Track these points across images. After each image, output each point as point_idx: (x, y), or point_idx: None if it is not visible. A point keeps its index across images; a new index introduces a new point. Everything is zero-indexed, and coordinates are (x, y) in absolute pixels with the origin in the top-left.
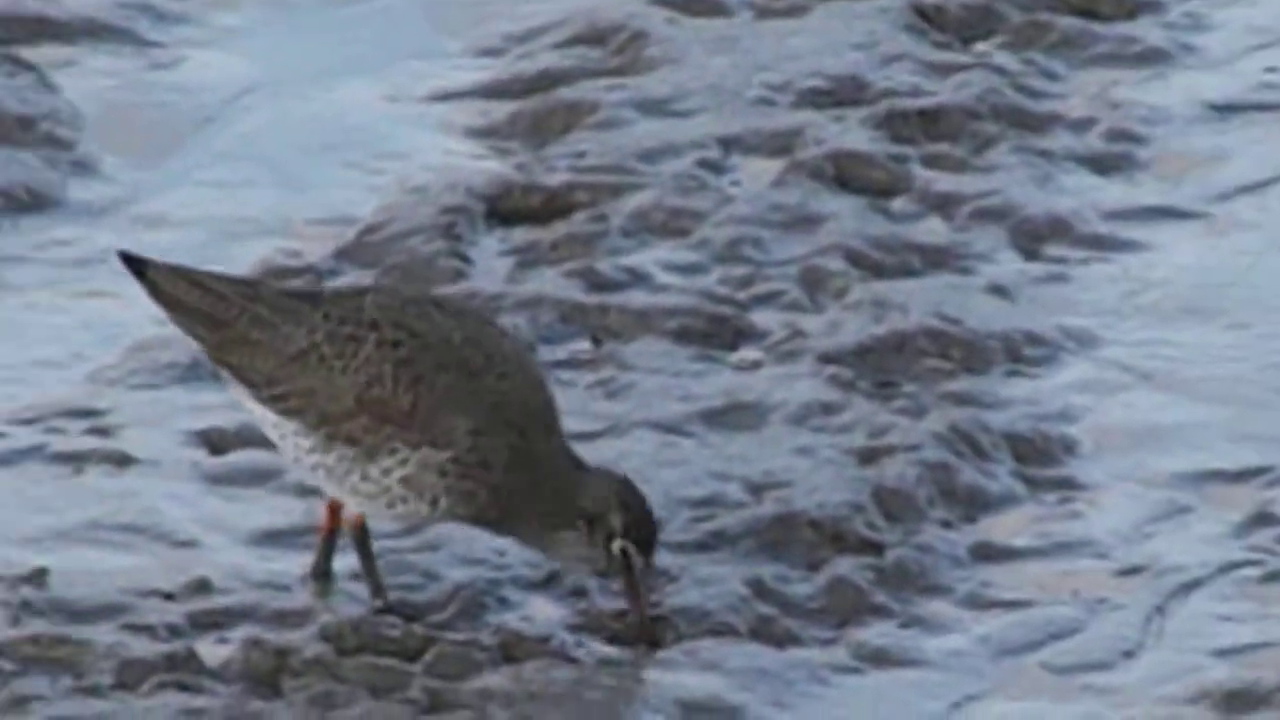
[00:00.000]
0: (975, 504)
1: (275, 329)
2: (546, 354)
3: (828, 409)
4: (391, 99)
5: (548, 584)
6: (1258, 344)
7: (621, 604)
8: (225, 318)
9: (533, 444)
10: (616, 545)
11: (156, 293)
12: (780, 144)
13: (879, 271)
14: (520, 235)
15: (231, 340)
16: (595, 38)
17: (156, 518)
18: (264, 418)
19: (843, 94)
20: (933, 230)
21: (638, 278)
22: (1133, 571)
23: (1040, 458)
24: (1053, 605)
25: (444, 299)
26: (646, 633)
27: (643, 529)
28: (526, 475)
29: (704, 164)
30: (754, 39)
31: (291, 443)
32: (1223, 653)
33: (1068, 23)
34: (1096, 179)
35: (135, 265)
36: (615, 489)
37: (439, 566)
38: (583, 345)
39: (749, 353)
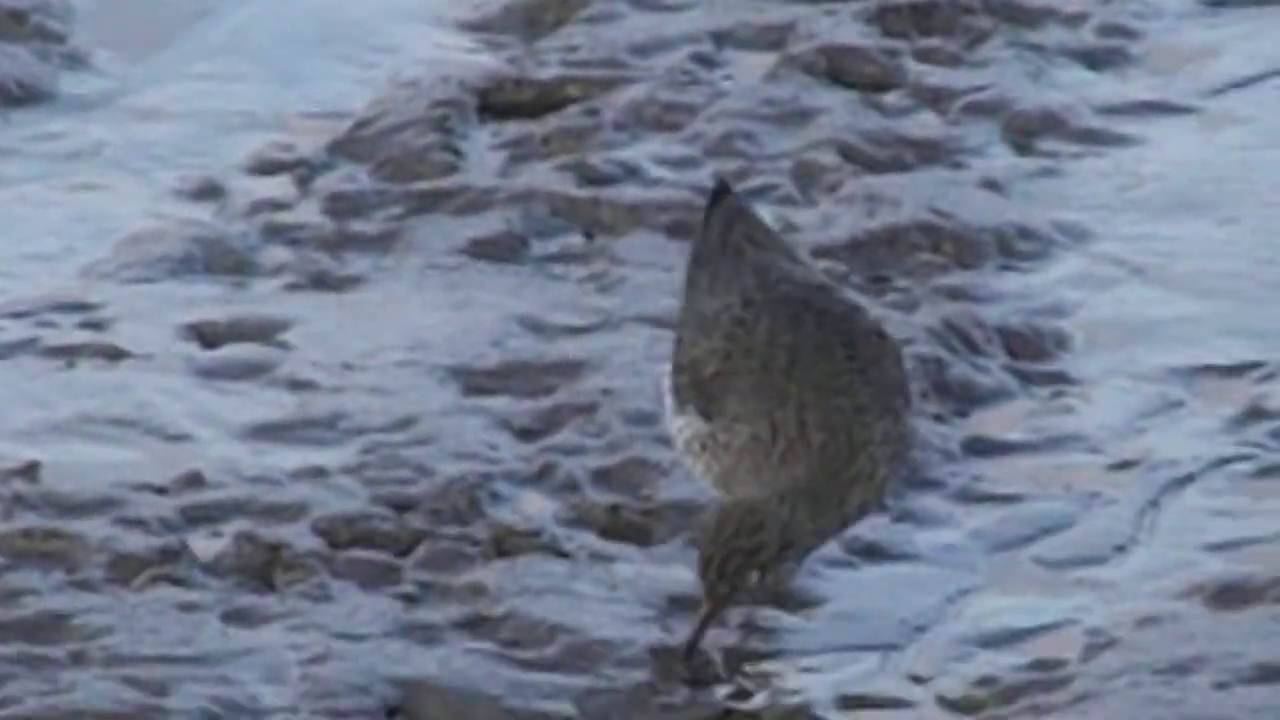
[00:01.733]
0: (967, 398)
1: None
2: (539, 248)
3: None
4: None
5: (540, 478)
6: (1251, 238)
7: (614, 498)
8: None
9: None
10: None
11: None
12: (772, 38)
13: (871, 166)
14: (512, 129)
15: None
16: None
17: (149, 411)
18: None
19: None
20: (925, 124)
21: (630, 172)
22: (1125, 466)
23: (1033, 352)
24: (1045, 499)
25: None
26: (690, 645)
27: (697, 549)
28: None
29: (696, 58)
30: None
31: None
32: (1215, 547)
33: None
34: (1089, 73)
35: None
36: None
37: (431, 461)
38: (575, 239)
39: None
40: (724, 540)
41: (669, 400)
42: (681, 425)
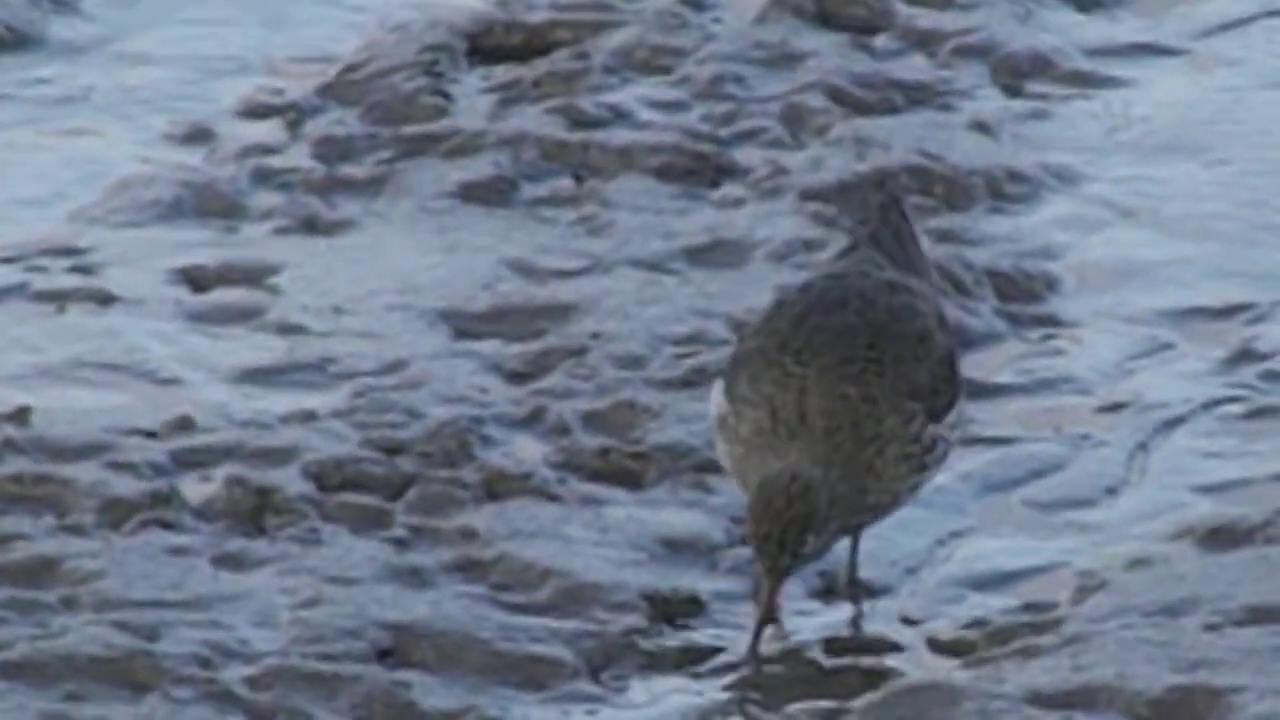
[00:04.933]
0: (957, 340)
1: None
2: (529, 191)
3: (809, 246)
4: None
5: (530, 421)
6: (1239, 180)
7: (604, 441)
8: None
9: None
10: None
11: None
12: None
13: (861, 108)
14: (502, 73)
15: None
16: None
17: (139, 356)
18: None
19: None
20: (915, 67)
21: (619, 115)
22: (1116, 408)
23: (1022, 294)
24: (1035, 442)
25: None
26: (760, 625)
27: (751, 529)
28: None
29: (686, 1)
30: None
31: None
32: (1205, 489)
33: None
34: (1078, 15)
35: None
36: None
37: (421, 404)
38: (564, 182)
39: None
40: (776, 513)
41: (715, 387)
42: (714, 403)
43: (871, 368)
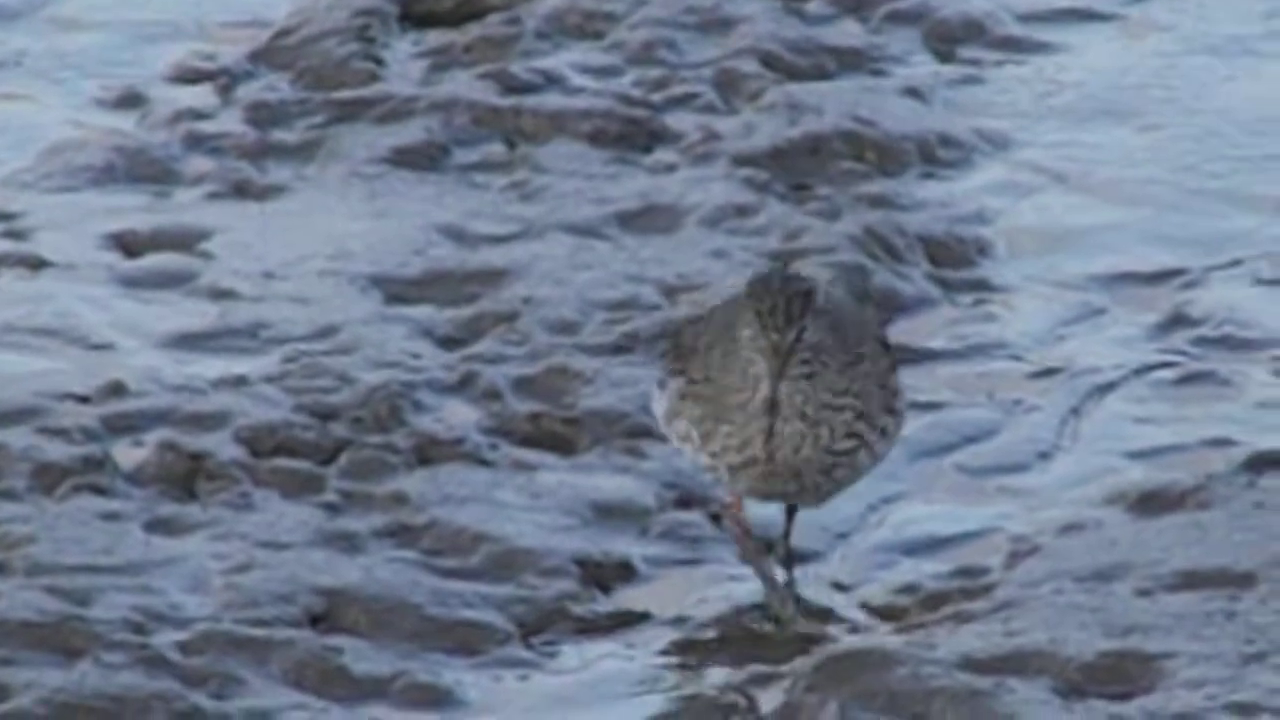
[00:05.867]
0: (890, 306)
1: None
2: (460, 157)
3: (742, 211)
4: None
5: (462, 386)
6: (1171, 146)
7: (535, 406)
8: None
9: None
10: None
11: None
12: None
13: (793, 74)
14: (434, 38)
15: None
16: None
17: (71, 321)
18: None
19: None
20: (847, 32)
21: (552, 80)
22: (1047, 373)
23: (954, 260)
24: (968, 407)
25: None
26: (771, 402)
27: (762, 303)
28: None
29: None
30: None
31: None
32: (1137, 454)
33: None
34: None
35: None
36: None
37: (353, 369)
38: (496, 148)
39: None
40: (777, 289)
41: (654, 395)
42: (658, 401)
43: (843, 319)
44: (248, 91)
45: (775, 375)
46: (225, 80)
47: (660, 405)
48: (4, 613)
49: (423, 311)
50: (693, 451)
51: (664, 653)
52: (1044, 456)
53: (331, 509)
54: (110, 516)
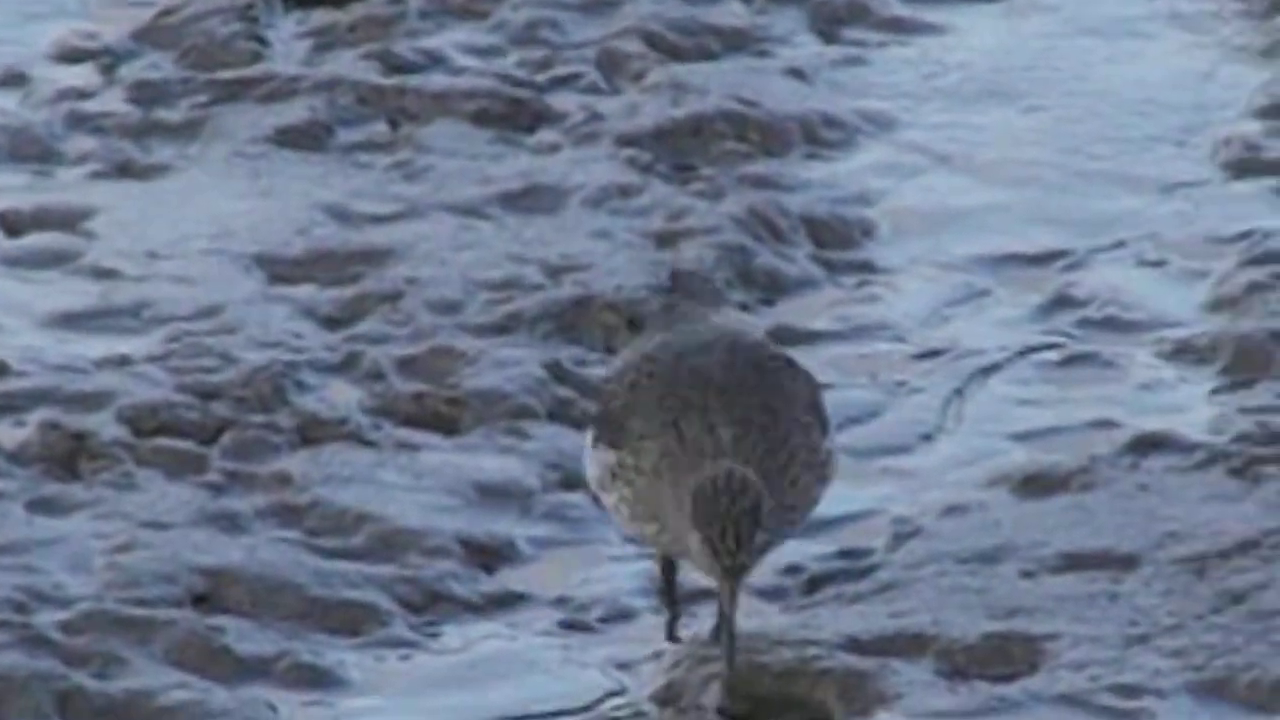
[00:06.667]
0: (773, 287)
1: None
2: (344, 136)
3: (625, 192)
4: None
5: (345, 366)
6: (1056, 127)
7: (419, 386)
8: None
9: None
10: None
11: None
12: None
13: (677, 54)
14: (318, 18)
15: None
16: None
17: None
18: None
19: None
20: (731, 13)
21: (435, 60)
22: (931, 355)
23: (838, 241)
24: (850, 389)
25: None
26: (727, 633)
27: (710, 529)
28: None
29: None
30: None
31: None
32: (1021, 436)
33: None
34: None
35: None
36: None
37: (236, 349)
38: (380, 127)
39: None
40: (724, 511)
41: (585, 453)
42: (591, 464)
43: (764, 386)
44: (131, 71)
45: (730, 600)
46: (108, 59)
47: (590, 467)
48: None
49: (306, 291)
50: (622, 522)
51: (547, 633)
52: (927, 438)
53: (214, 489)
54: None
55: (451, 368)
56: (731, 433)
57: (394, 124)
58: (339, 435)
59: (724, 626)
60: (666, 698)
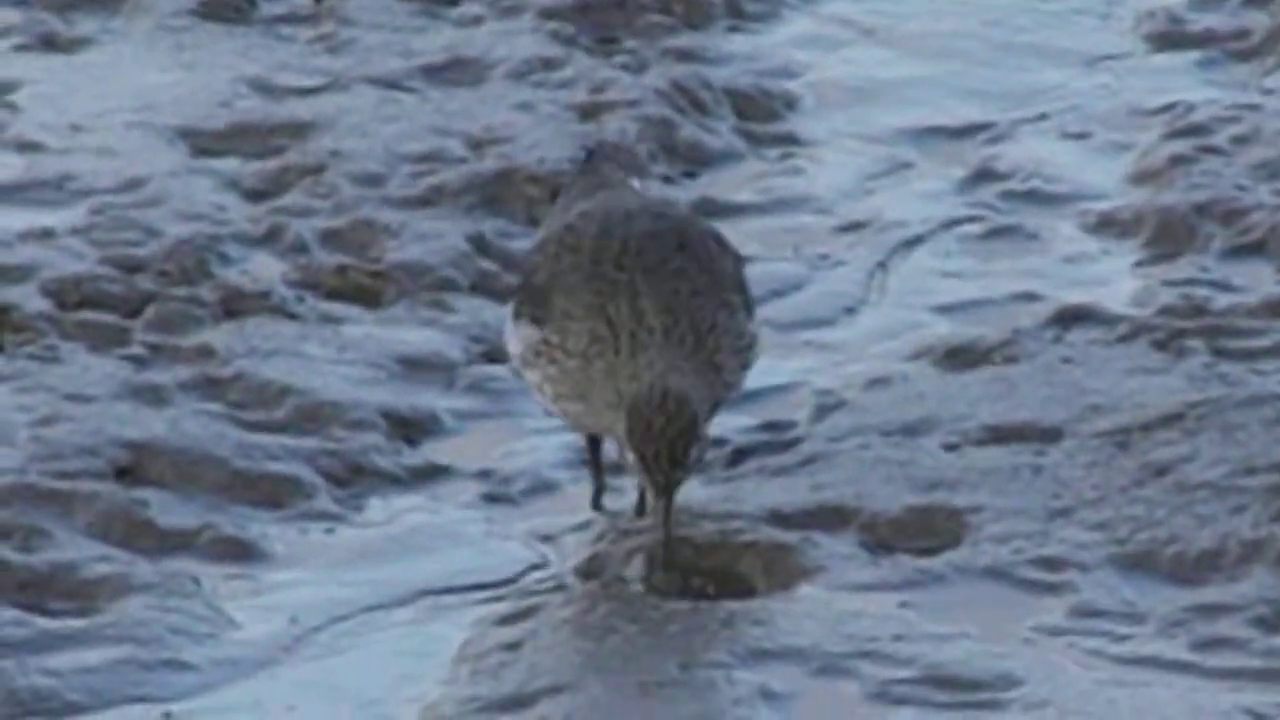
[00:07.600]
0: (696, 160)
1: None
2: (267, 9)
3: (548, 64)
4: None
5: (269, 239)
6: (980, 0)
7: (342, 259)
8: None
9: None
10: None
11: None
12: None
13: None
14: None
15: None
16: None
17: None
18: None
19: None
20: None
21: None
22: (854, 227)
23: (761, 113)
24: (774, 261)
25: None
26: (666, 548)
27: (635, 450)
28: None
29: None
30: None
31: None
32: (944, 309)
33: None
34: None
35: None
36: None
37: (159, 222)
38: (303, 1)
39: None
40: (660, 431)
41: (507, 325)
42: (513, 339)
43: (690, 265)
44: None
45: (666, 512)
46: None
47: (512, 343)
48: None
49: (229, 164)
50: (545, 401)
51: (470, 506)
52: (850, 311)
53: (137, 362)
54: None
55: (374, 240)
56: (661, 322)
57: None
58: (262, 308)
59: (661, 533)
60: (589, 570)
